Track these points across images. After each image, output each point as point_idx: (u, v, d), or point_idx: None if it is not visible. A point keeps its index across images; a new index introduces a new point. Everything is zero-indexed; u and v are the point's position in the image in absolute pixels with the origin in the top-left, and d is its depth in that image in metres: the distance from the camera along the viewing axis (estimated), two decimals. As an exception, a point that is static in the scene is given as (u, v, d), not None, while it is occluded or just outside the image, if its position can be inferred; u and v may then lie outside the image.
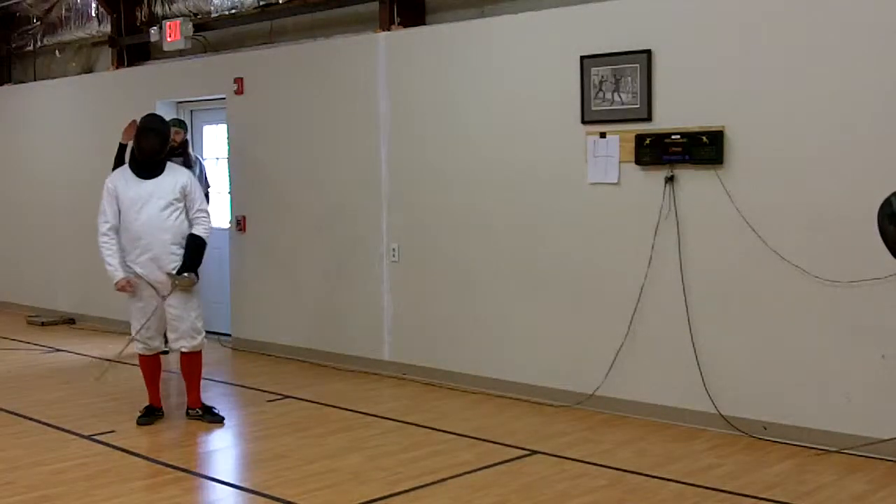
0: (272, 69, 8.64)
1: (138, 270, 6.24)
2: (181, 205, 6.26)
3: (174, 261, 6.22)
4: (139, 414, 6.44)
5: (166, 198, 6.20)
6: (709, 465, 5.32)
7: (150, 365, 6.49)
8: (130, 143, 6.65)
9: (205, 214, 6.37)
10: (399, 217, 7.72)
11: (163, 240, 6.18)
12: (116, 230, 6.25)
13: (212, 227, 6.47)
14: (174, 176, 6.30)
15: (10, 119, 11.86)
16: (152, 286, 6.27)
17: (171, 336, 6.42)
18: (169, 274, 6.19)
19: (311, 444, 5.89)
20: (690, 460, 5.43)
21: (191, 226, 6.30)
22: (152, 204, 6.18)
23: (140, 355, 6.48)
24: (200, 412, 6.49)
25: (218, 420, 6.44)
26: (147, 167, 6.25)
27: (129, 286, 6.24)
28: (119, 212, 6.22)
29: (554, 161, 6.73)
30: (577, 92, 6.57)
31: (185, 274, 6.21)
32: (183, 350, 6.41)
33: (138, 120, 6.47)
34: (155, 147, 6.23)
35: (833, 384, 5.57)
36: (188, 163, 8.69)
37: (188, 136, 8.83)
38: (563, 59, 6.63)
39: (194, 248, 6.27)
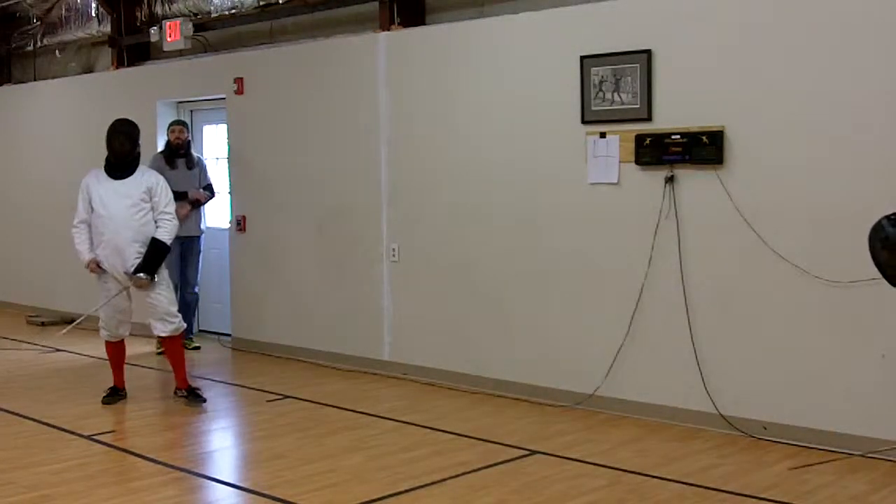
0: (272, 69, 8.64)
1: (101, 264, 6.67)
2: (147, 205, 6.65)
3: (136, 256, 6.59)
4: (104, 394, 6.93)
5: (133, 197, 6.61)
6: (709, 465, 5.32)
7: (115, 350, 6.98)
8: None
9: (169, 217, 6.72)
10: (399, 217, 7.72)
11: (125, 236, 6.58)
12: (87, 224, 6.74)
13: (176, 229, 6.81)
14: (143, 177, 6.70)
15: (10, 119, 11.87)
16: (115, 278, 6.68)
17: (151, 324, 6.82)
18: (126, 273, 6.58)
19: (311, 444, 5.89)
20: (690, 460, 5.43)
21: (156, 226, 6.67)
22: (119, 202, 6.59)
23: (105, 341, 6.97)
24: (185, 393, 6.87)
25: (200, 402, 6.83)
26: (118, 168, 6.67)
27: (96, 266, 6.69)
28: (91, 208, 6.67)
29: (554, 161, 6.73)
30: (577, 92, 6.57)
31: (141, 275, 6.55)
32: (162, 335, 6.80)
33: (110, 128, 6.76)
34: (125, 148, 6.66)
35: (833, 384, 5.57)
36: (191, 163, 8.71)
37: (190, 137, 8.86)
38: (563, 59, 6.63)
39: (154, 252, 6.64)
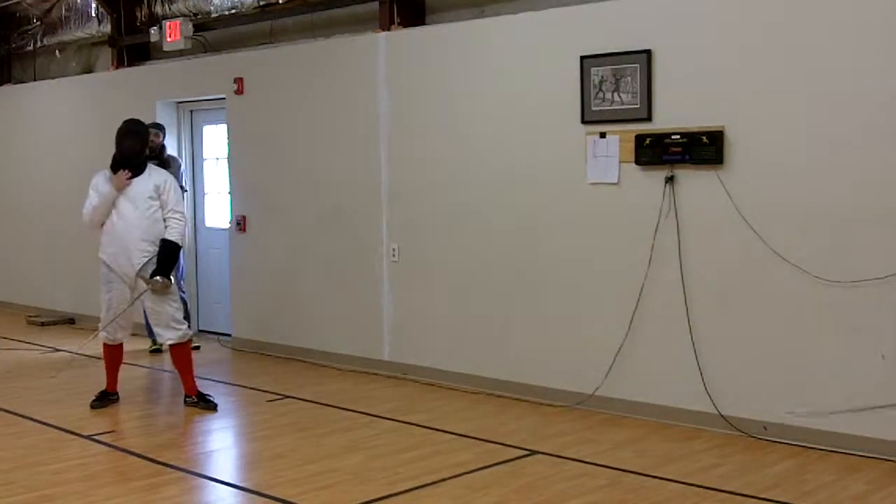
0: (272, 69, 8.64)
1: (108, 262, 6.58)
2: (156, 203, 6.58)
3: (142, 256, 6.52)
4: (94, 398, 6.83)
5: (141, 196, 6.54)
6: (709, 465, 5.32)
7: (112, 353, 6.87)
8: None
9: (178, 216, 6.64)
10: (399, 217, 7.72)
11: (133, 236, 6.52)
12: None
13: (185, 229, 6.75)
14: (152, 176, 6.64)
15: (10, 119, 11.87)
16: (121, 279, 6.59)
17: (155, 331, 6.82)
18: (142, 277, 6.49)
19: (311, 444, 5.89)
20: (690, 460, 5.43)
21: (165, 225, 6.58)
22: (127, 201, 6.52)
23: (103, 343, 6.84)
24: (195, 399, 6.78)
25: (211, 407, 6.73)
26: (127, 168, 6.57)
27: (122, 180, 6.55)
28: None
29: (554, 161, 6.73)
30: (577, 92, 6.57)
31: (158, 278, 6.47)
32: (169, 342, 6.72)
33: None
34: (134, 149, 6.61)
35: (833, 384, 5.57)
36: (164, 165, 8.65)
37: (164, 141, 8.79)
38: (563, 59, 6.63)
39: (166, 253, 6.56)
